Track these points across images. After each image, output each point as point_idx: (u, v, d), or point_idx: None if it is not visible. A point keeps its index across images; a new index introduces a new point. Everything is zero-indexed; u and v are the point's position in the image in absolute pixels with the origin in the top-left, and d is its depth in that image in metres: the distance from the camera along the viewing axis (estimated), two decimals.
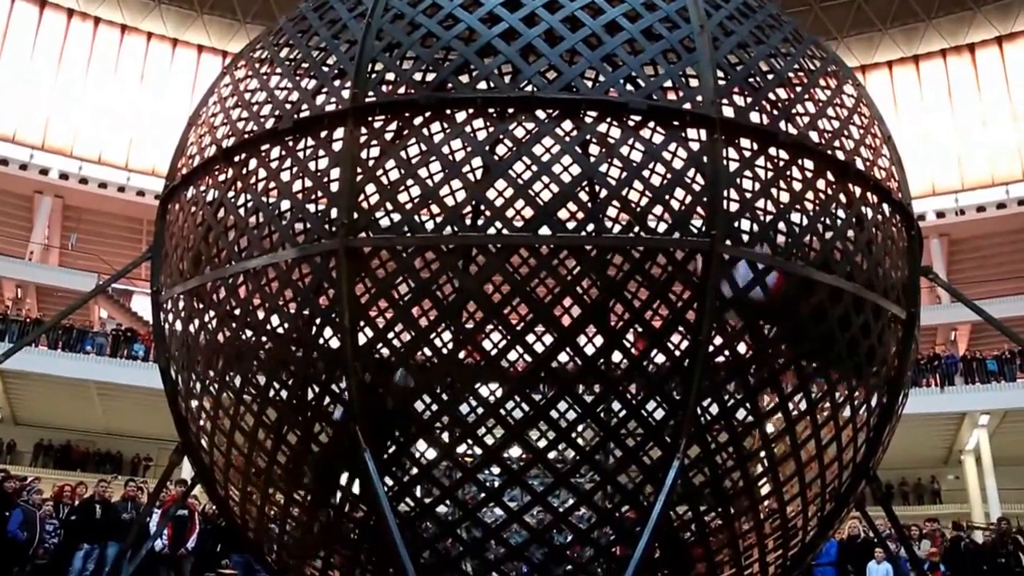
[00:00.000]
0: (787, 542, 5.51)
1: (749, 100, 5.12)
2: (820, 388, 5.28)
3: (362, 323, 4.87)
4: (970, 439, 21.75)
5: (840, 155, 5.15)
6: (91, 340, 22.52)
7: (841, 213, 5.16)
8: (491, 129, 4.91)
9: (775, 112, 5.12)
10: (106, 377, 21.61)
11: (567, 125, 4.95)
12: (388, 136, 5.28)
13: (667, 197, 4.97)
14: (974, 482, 21.40)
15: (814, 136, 5.26)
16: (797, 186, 5.08)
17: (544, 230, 4.67)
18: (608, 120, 4.70)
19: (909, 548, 7.47)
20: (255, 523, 5.50)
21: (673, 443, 4.75)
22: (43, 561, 9.63)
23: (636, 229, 4.60)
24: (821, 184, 5.11)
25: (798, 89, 5.35)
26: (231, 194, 5.67)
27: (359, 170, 4.87)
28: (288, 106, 5.83)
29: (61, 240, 31.18)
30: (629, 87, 5.40)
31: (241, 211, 5.50)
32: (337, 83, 5.55)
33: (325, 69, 5.39)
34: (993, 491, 20.71)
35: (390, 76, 5.39)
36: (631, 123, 4.84)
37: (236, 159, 5.54)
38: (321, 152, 5.54)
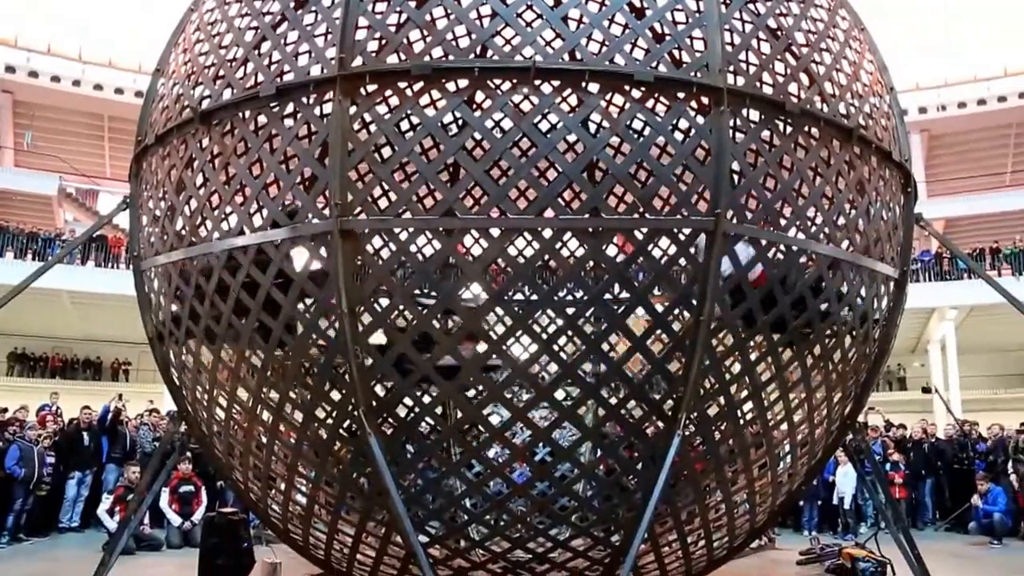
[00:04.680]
0: (776, 492, 5.76)
1: (755, 68, 4.92)
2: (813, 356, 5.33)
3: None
4: (937, 331, 22.76)
5: (845, 121, 5.02)
6: (59, 247, 21.70)
7: (843, 183, 5.07)
8: (488, 103, 4.69)
9: (780, 79, 4.93)
10: (78, 286, 21.13)
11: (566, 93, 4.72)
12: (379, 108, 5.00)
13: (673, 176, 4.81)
14: (938, 370, 22.49)
15: (818, 101, 5.11)
16: (801, 154, 4.95)
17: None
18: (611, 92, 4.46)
19: (876, 468, 7.64)
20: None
21: (673, 418, 4.83)
22: (43, 493, 9.78)
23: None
24: (824, 154, 5.00)
25: (804, 51, 5.13)
26: (208, 158, 5.41)
27: (350, 146, 4.65)
28: (267, 62, 5.51)
29: (15, 140, 29.70)
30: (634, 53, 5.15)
31: (222, 178, 5.23)
32: (320, 42, 5.22)
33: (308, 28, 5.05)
34: (955, 378, 21.86)
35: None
36: (635, 95, 4.64)
37: (214, 122, 5.27)
38: (307, 119, 5.26)
